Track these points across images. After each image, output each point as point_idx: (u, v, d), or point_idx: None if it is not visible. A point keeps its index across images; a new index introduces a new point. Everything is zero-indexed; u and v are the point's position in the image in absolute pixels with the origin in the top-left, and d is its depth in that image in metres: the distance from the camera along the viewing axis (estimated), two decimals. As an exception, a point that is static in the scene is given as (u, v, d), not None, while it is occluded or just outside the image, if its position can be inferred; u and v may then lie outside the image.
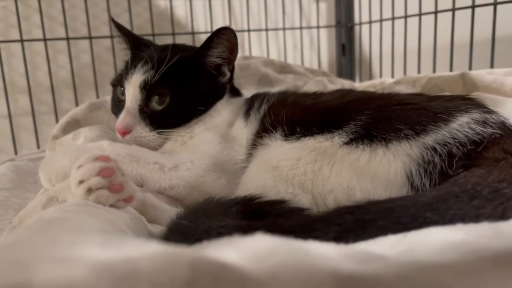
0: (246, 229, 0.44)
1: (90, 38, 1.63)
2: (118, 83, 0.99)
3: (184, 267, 0.26)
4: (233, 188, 0.85)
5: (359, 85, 1.78)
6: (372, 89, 1.55)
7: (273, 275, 0.28)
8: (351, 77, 2.09)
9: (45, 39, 1.56)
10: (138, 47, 1.07)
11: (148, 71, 0.93)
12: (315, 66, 2.10)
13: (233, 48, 0.99)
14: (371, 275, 0.29)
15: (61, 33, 1.64)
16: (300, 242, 0.35)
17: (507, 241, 0.36)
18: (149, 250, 0.28)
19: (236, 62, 1.62)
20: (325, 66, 2.19)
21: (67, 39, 1.60)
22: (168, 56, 0.94)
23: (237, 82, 1.49)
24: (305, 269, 0.29)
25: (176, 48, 1.03)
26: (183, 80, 0.96)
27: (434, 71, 1.55)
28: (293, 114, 0.85)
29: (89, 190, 0.59)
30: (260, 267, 0.28)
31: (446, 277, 0.30)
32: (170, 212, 0.75)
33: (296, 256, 0.30)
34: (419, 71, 1.63)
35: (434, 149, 0.64)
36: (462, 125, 0.66)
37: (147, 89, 0.93)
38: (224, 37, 0.96)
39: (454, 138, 0.64)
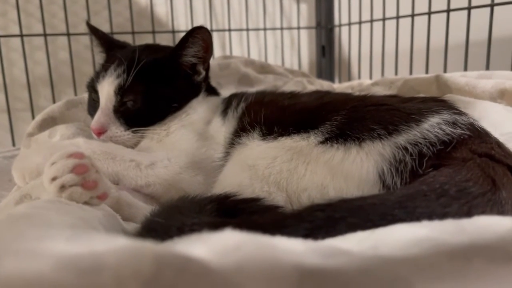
0: (218, 226, 0.45)
1: (68, 34, 1.61)
2: (92, 87, 0.99)
3: (149, 260, 0.27)
4: (210, 186, 0.86)
5: (338, 86, 1.81)
6: (350, 90, 1.57)
7: (238, 268, 0.28)
8: (330, 78, 2.11)
9: (21, 35, 1.54)
10: (112, 49, 1.07)
11: (121, 73, 0.93)
12: (295, 66, 2.12)
13: (208, 47, 1.00)
14: (334, 268, 0.30)
15: (39, 29, 1.62)
16: (267, 237, 0.36)
17: (467, 236, 0.37)
18: (115, 245, 0.29)
19: (216, 62, 1.64)
20: (305, 66, 2.20)
21: (45, 35, 1.58)
22: (142, 57, 0.94)
23: (216, 82, 1.50)
24: (270, 262, 0.29)
25: (151, 48, 1.04)
26: (157, 80, 0.96)
27: (410, 73, 1.58)
28: (271, 114, 0.85)
29: (62, 187, 0.59)
30: (226, 261, 0.29)
31: (405, 270, 0.31)
32: (145, 210, 0.75)
33: (262, 250, 0.31)
34: (396, 73, 1.65)
35: (406, 149, 0.65)
36: (433, 125, 0.68)
37: (120, 89, 0.93)
38: (199, 37, 0.96)
39: (425, 138, 0.66)
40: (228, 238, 0.33)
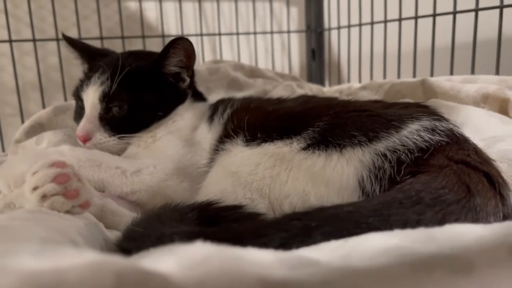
0: (195, 236, 0.45)
1: (57, 40, 1.61)
2: (77, 96, 1.00)
3: (110, 276, 0.27)
4: (196, 192, 0.86)
5: (328, 89, 1.82)
6: (338, 94, 1.58)
7: (200, 283, 0.29)
8: (320, 81, 2.12)
9: (10, 41, 1.54)
10: (95, 58, 1.07)
11: (105, 80, 0.94)
12: (286, 70, 2.12)
13: (190, 55, 1.00)
14: (298, 280, 0.31)
15: (28, 34, 1.62)
16: (237, 249, 0.36)
17: (435, 245, 0.38)
18: (81, 260, 0.29)
19: (206, 66, 1.64)
20: (296, 70, 2.21)
21: (34, 40, 1.58)
22: (125, 65, 0.94)
23: (206, 86, 1.50)
24: (234, 276, 0.30)
25: (134, 55, 1.04)
26: (142, 88, 0.96)
27: (398, 76, 1.59)
28: (254, 120, 0.86)
29: (44, 197, 0.59)
30: (189, 275, 0.29)
31: (366, 282, 0.32)
32: (129, 217, 0.75)
33: (228, 263, 0.31)
34: (384, 76, 1.67)
35: (385, 156, 0.66)
36: (412, 132, 0.68)
37: (105, 96, 0.94)
38: (180, 47, 0.97)
39: (404, 145, 0.66)
40: (197, 251, 0.34)
